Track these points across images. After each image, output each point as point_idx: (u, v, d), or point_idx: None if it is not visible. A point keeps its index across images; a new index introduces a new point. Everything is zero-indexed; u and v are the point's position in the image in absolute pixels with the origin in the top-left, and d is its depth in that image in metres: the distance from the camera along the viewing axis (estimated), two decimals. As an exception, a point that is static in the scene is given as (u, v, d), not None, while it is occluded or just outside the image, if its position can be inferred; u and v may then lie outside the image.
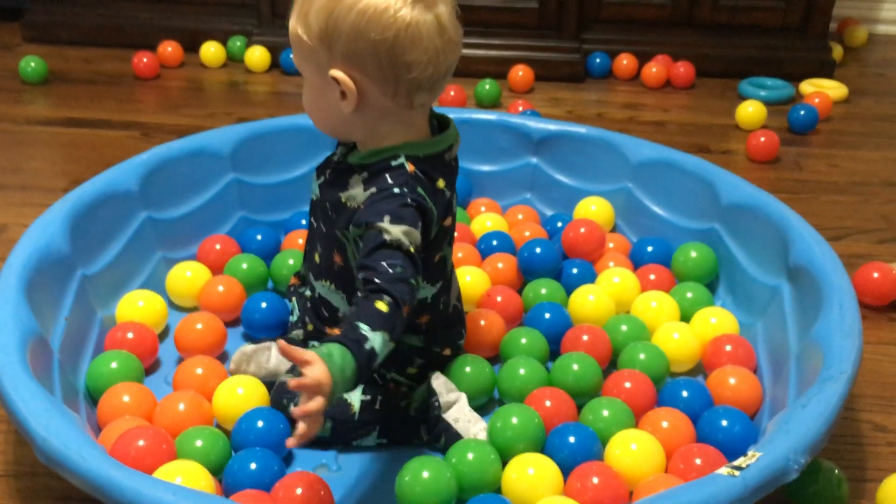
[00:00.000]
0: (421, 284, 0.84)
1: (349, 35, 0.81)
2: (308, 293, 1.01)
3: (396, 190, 0.84)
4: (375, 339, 0.75)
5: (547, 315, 1.08)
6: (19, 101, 1.87)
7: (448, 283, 0.97)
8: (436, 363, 0.97)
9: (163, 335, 1.10)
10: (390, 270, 0.79)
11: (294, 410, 0.71)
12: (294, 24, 0.84)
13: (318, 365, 0.71)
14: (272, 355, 0.98)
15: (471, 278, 1.13)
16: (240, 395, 0.92)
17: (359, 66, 0.82)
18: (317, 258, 0.96)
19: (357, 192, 0.87)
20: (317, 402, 0.70)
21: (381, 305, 0.77)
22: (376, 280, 0.78)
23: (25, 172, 1.55)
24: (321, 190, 0.93)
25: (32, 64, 1.92)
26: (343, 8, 0.80)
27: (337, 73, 0.83)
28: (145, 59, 1.99)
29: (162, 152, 1.21)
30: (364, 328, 0.76)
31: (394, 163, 0.86)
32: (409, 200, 0.83)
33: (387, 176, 0.85)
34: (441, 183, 0.88)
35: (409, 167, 0.86)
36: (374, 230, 0.82)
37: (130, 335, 1.01)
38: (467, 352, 1.03)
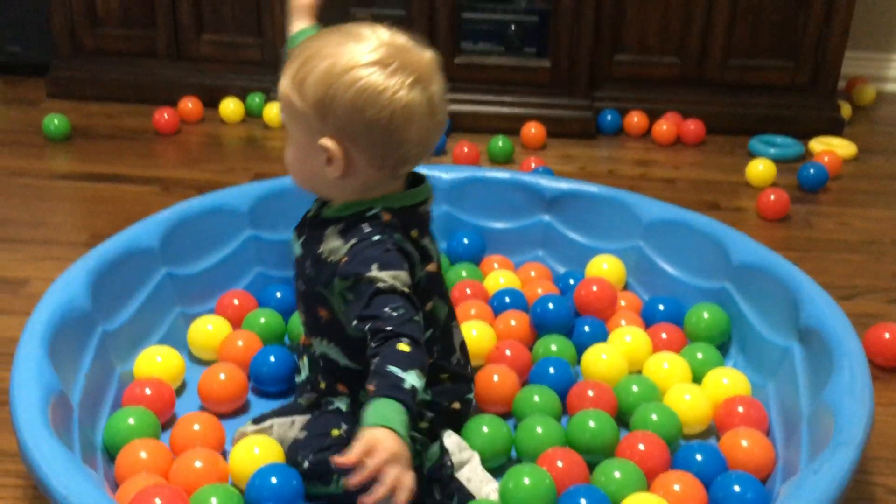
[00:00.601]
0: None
1: (346, 110, 0.83)
2: (316, 353, 1.03)
3: (376, 237, 0.86)
4: (410, 377, 0.77)
5: (552, 370, 1.09)
6: (42, 155, 1.91)
7: (446, 333, 0.98)
8: (447, 417, 0.98)
9: (180, 390, 1.11)
10: (394, 314, 0.80)
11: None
12: (287, 88, 0.86)
13: (376, 446, 0.73)
14: (272, 433, 0.98)
15: (476, 332, 1.15)
16: (256, 454, 0.93)
17: (351, 139, 0.85)
18: (304, 318, 0.98)
19: (336, 245, 0.88)
20: (392, 475, 0.73)
21: (403, 346, 0.79)
22: (387, 328, 0.80)
23: (47, 226, 1.58)
24: (302, 249, 0.95)
25: (56, 121, 1.97)
26: (342, 84, 0.82)
27: (328, 142, 0.85)
28: (166, 115, 2.04)
29: (183, 209, 1.24)
30: (396, 370, 0.77)
31: (369, 213, 0.88)
32: (390, 246, 0.86)
33: (363, 226, 0.87)
34: (414, 233, 0.90)
35: (385, 216, 0.88)
36: (364, 281, 0.83)
37: (148, 391, 1.03)
38: (479, 406, 1.05)
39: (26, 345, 0.91)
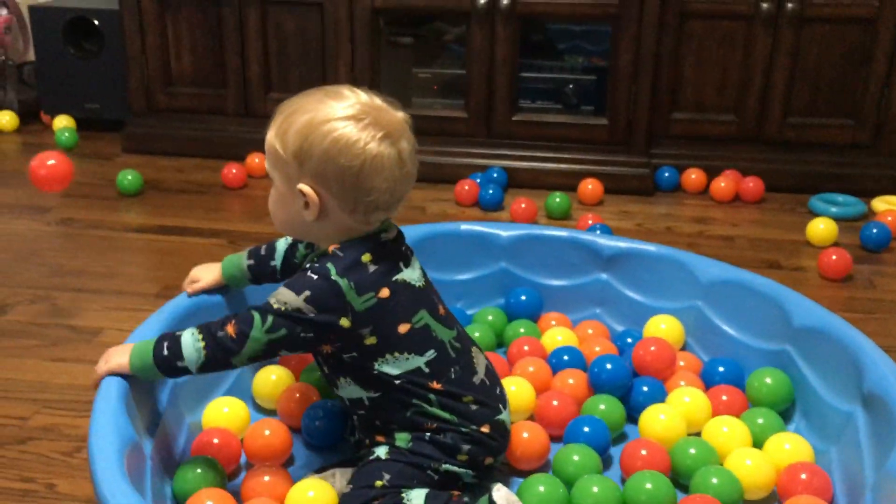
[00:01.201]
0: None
1: (321, 158, 0.92)
2: (346, 401, 1.04)
3: (307, 264, 0.96)
4: (185, 334, 0.95)
5: (585, 429, 1.09)
6: (116, 208, 2.00)
7: (463, 356, 1.00)
8: (480, 444, 0.99)
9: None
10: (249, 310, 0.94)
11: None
12: (272, 137, 0.96)
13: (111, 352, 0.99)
14: (335, 482, 1.01)
15: (515, 388, 1.16)
16: (310, 497, 0.96)
17: (325, 184, 0.93)
18: (321, 370, 1.03)
19: None
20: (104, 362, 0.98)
21: (228, 327, 0.93)
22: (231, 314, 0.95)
23: (121, 277, 1.64)
24: None
25: (129, 177, 2.06)
26: (319, 134, 0.92)
27: (304, 187, 0.94)
28: (234, 170, 2.11)
29: (250, 265, 1.28)
30: (191, 329, 0.96)
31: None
32: (308, 273, 0.94)
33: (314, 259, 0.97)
34: (366, 257, 0.96)
35: (331, 247, 0.96)
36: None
37: (216, 441, 1.06)
38: (511, 463, 1.06)
39: (104, 395, 0.95)
